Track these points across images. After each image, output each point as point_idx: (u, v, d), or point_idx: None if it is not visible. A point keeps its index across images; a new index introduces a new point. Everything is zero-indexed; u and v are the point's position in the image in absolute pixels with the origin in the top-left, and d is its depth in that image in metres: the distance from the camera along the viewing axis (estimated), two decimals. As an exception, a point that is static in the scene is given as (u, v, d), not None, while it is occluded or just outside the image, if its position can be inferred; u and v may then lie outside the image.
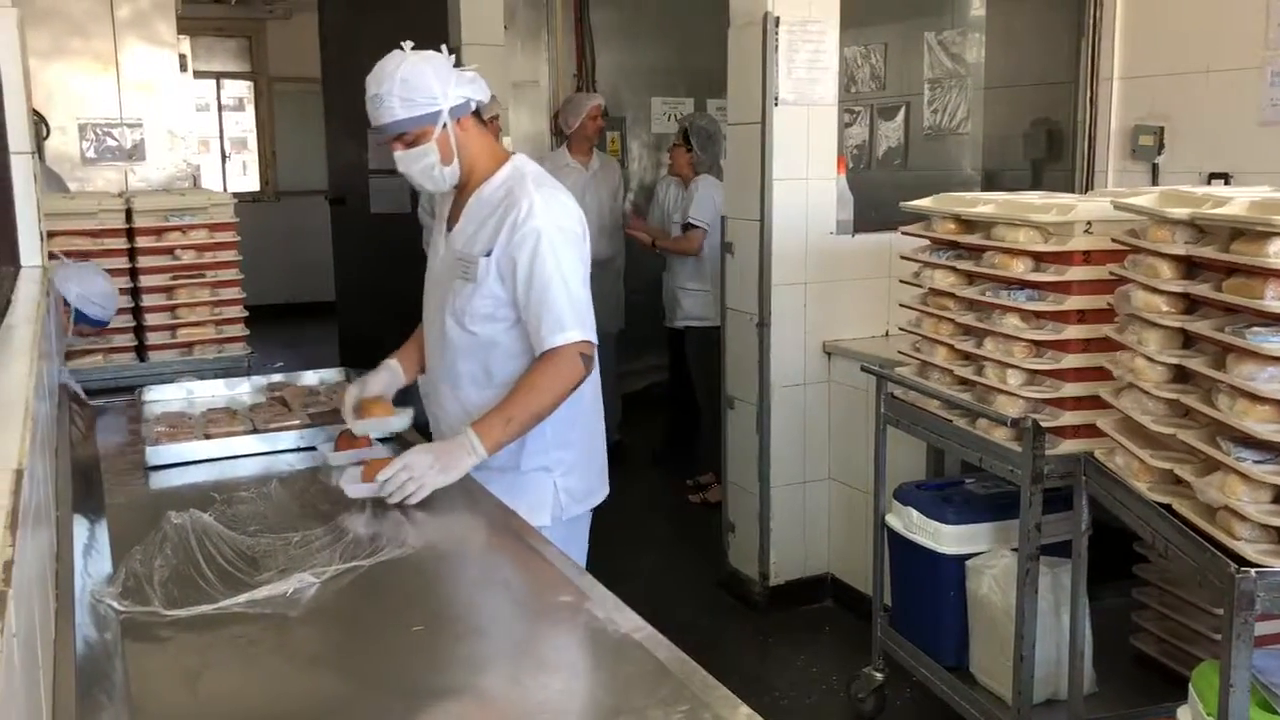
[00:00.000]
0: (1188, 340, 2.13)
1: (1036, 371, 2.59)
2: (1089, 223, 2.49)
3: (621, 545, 4.57)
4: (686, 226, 5.05)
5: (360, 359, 5.79)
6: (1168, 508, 2.12)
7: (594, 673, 1.50)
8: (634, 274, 6.07)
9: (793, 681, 3.62)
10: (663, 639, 1.59)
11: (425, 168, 2.33)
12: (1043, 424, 2.55)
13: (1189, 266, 2.12)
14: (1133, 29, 4.34)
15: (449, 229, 2.46)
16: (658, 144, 7.15)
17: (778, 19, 3.68)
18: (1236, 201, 1.99)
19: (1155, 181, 4.19)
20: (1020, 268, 2.59)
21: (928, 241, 2.99)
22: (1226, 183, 3.80)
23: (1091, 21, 4.42)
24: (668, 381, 6.05)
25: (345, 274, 7.21)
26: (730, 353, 4.12)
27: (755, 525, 4.06)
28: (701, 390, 5.20)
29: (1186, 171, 4.03)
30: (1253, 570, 1.85)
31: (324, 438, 2.43)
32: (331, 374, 3.09)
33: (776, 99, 3.72)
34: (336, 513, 2.00)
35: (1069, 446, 2.55)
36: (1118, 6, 4.36)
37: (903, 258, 3.11)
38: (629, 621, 1.61)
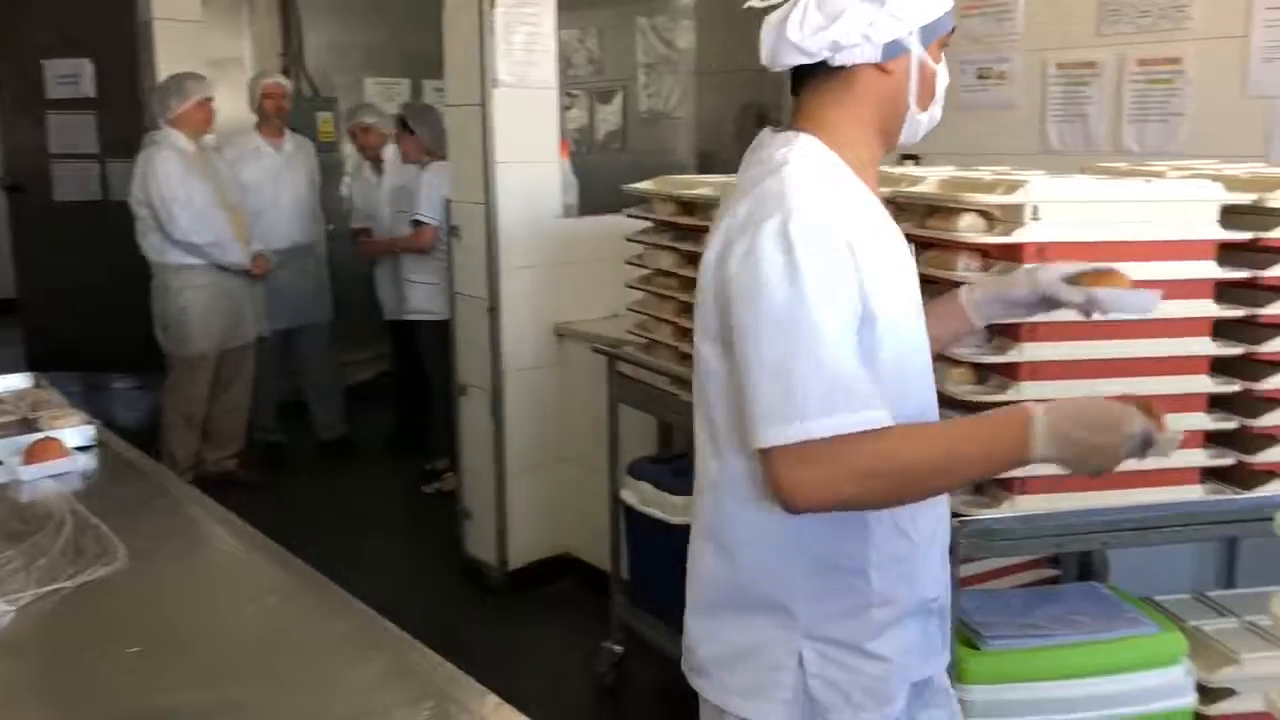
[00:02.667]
0: (891, 310, 2.28)
1: (757, 345, 2.70)
2: (799, 202, 2.61)
3: (354, 541, 4.44)
4: (415, 223, 4.88)
5: (51, 361, 5.32)
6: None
7: (334, 676, 1.43)
8: (352, 264, 5.87)
9: (537, 663, 3.63)
10: (404, 636, 1.55)
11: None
12: (765, 395, 2.66)
13: (890, 241, 2.27)
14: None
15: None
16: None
17: (494, 0, 3.64)
18: (929, 180, 2.16)
19: (854, 163, 4.45)
20: (738, 246, 2.69)
21: (650, 223, 3.05)
22: (917, 163, 4.10)
23: (792, 10, 4.65)
24: (394, 371, 5.90)
25: (27, 268, 6.56)
26: (461, 339, 4.07)
27: (492, 510, 4.04)
28: (439, 382, 5.10)
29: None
30: (956, 519, 2.01)
31: (12, 450, 2.20)
32: (17, 380, 2.80)
33: (495, 81, 3.69)
34: (30, 532, 1.81)
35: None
36: (815, -3, 4.60)
37: (627, 239, 3.17)
38: (369, 621, 1.56)
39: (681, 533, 3.10)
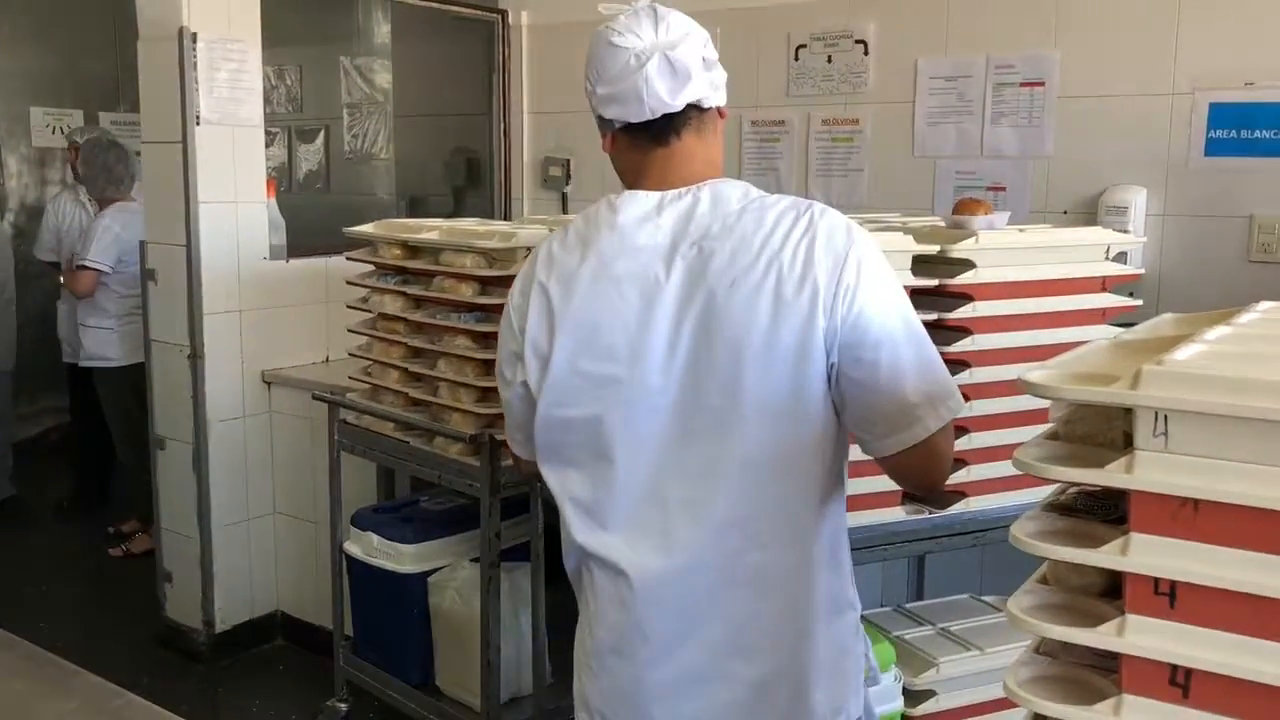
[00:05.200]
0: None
1: (489, 389, 2.72)
2: (529, 249, 2.67)
3: (33, 615, 4.04)
4: (79, 266, 4.53)
5: None
6: (616, 504, 2.34)
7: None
8: (19, 304, 5.37)
9: (255, 729, 3.45)
10: (148, 705, 1.45)
11: None
12: (497, 437, 2.69)
13: (621, 287, 2.36)
14: (538, 69, 4.72)
15: None
16: (42, 159, 6.40)
17: (195, 34, 3.47)
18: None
19: (565, 209, 4.59)
20: (468, 291, 2.70)
21: (373, 267, 3.01)
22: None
23: (501, 59, 4.74)
24: (71, 424, 5.43)
25: None
26: (158, 389, 3.81)
27: (196, 571, 3.79)
28: (119, 435, 4.73)
29: (590, 199, 4.44)
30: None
31: None
32: None
33: (198, 118, 3.52)
34: None
35: (523, 457, 2.72)
36: (524, 47, 4.73)
37: (349, 283, 3.10)
38: (101, 693, 1.45)
39: (411, 581, 3.08)
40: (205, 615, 3.82)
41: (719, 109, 1.60)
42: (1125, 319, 2.35)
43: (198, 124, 3.53)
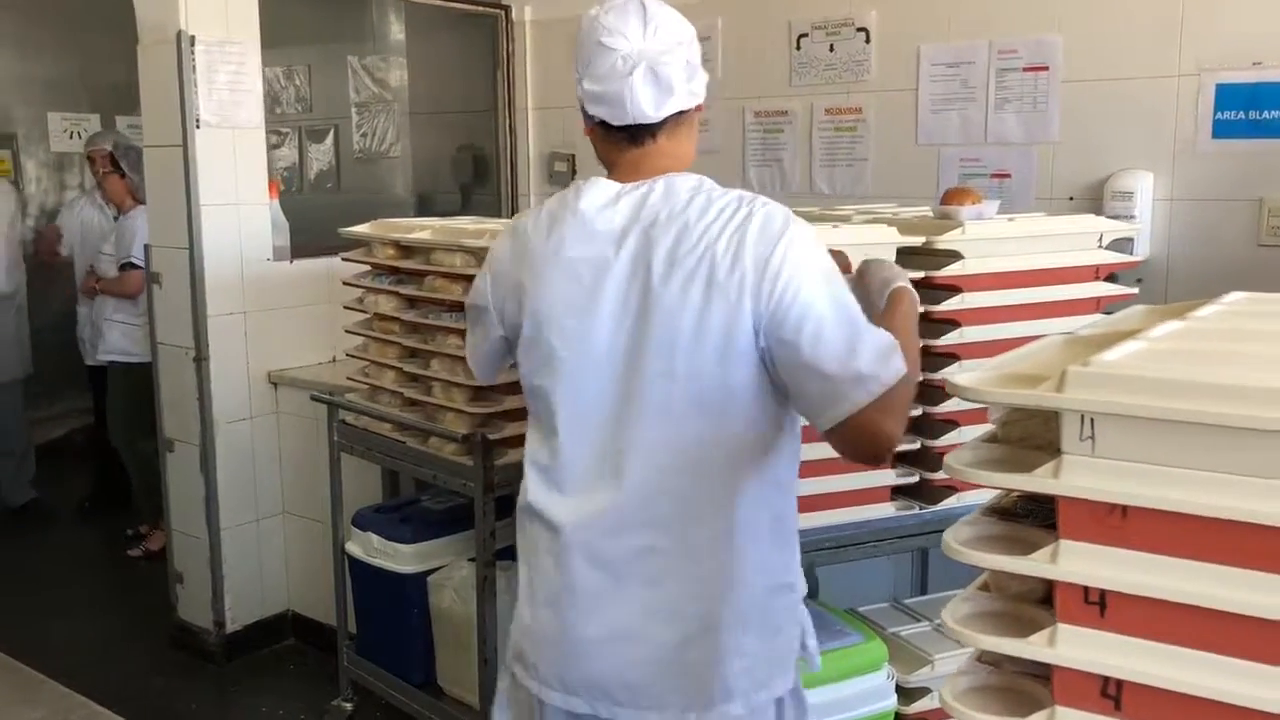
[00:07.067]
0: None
1: (482, 388, 2.71)
2: (518, 246, 2.65)
3: (52, 617, 4.09)
4: (124, 266, 4.57)
5: None
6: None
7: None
8: (40, 307, 5.44)
9: (263, 729, 3.46)
10: (109, 715, 1.45)
11: None
12: (490, 437, 2.68)
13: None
14: (542, 64, 4.70)
15: None
16: (59, 164, 6.46)
17: (193, 38, 3.48)
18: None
19: (570, 204, 4.57)
20: (459, 291, 2.69)
21: (369, 267, 3.01)
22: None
23: (505, 55, 4.73)
24: (92, 426, 5.48)
25: None
26: (165, 391, 3.83)
27: (207, 572, 3.81)
28: (119, 432, 4.77)
29: (596, 195, 4.44)
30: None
31: None
32: None
33: (198, 121, 3.53)
34: None
35: (516, 455, 2.70)
36: (528, 42, 4.71)
37: (345, 283, 3.10)
38: (67, 703, 1.45)
39: (411, 580, 3.08)
40: (216, 615, 3.83)
41: (698, 105, 1.65)
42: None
43: (198, 127, 3.53)
